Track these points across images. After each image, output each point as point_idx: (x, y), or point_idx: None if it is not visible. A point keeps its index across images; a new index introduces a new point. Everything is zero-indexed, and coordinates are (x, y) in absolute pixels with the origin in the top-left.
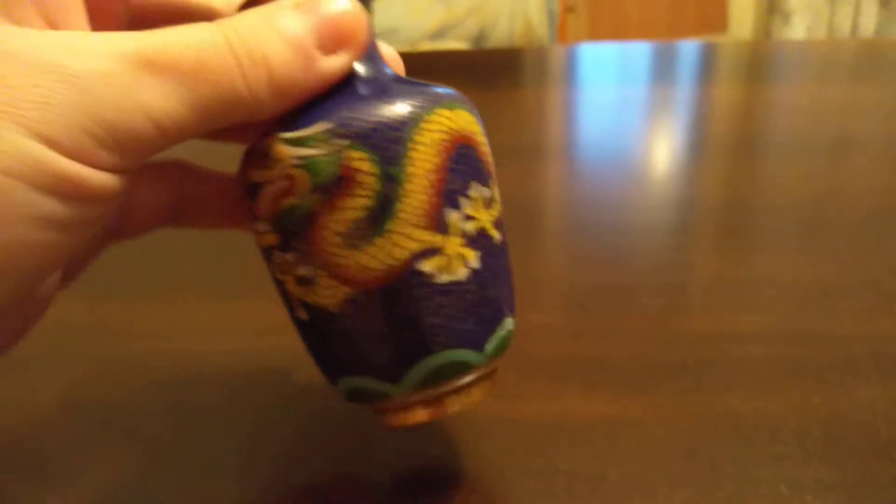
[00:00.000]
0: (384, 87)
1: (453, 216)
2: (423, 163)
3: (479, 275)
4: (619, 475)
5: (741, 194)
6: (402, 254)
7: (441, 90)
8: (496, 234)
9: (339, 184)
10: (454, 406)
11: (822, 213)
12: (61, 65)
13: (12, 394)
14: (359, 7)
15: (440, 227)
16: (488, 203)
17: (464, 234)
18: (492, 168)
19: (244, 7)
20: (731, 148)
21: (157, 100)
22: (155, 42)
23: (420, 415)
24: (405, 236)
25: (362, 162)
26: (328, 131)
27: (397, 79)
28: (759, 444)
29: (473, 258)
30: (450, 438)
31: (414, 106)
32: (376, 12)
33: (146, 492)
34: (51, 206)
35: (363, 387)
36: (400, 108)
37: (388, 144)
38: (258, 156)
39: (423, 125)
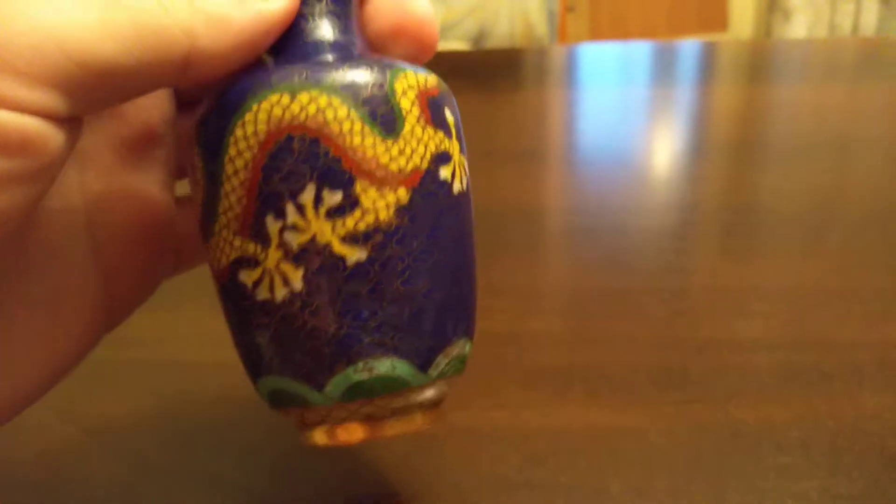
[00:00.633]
0: (306, 56)
1: (273, 225)
2: (238, 159)
3: (303, 299)
4: (620, 487)
5: (743, 197)
6: (224, 260)
7: (360, 67)
8: (349, 252)
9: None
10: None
11: (825, 216)
12: None
13: None
14: None
15: (258, 235)
16: (337, 211)
17: (284, 247)
18: (366, 166)
19: None
20: (733, 150)
21: (83, 41)
22: None
23: (352, 432)
24: (226, 241)
25: (196, 157)
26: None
27: (342, 49)
28: (764, 455)
29: (296, 277)
30: (448, 450)
31: (244, 89)
32: None
33: None
34: None
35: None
36: (237, 92)
37: (211, 137)
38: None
39: (247, 114)
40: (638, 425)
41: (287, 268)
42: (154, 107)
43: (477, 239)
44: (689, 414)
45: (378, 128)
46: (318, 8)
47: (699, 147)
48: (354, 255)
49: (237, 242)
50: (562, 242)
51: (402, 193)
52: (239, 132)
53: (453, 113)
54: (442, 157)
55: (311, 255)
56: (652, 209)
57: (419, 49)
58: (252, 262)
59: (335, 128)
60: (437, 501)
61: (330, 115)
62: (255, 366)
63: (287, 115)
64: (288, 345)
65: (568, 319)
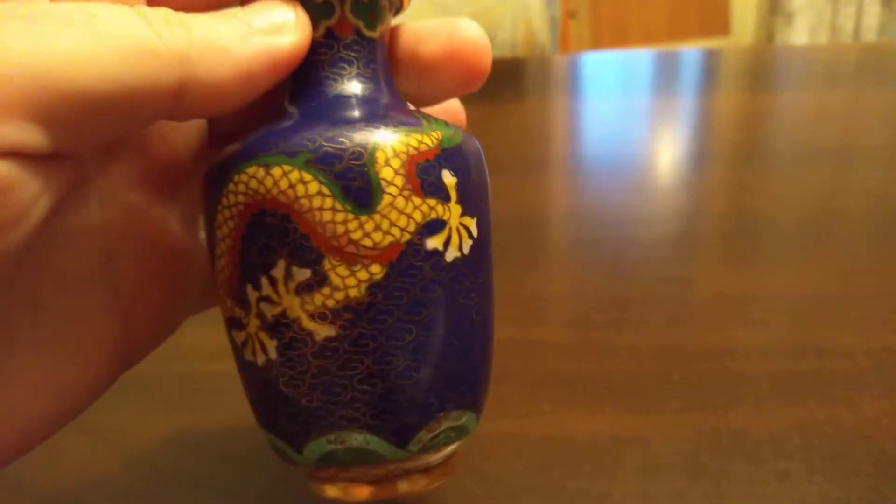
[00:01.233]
0: (328, 111)
1: (252, 294)
2: (224, 227)
3: (278, 368)
4: (623, 493)
5: (744, 206)
6: (225, 313)
7: (347, 134)
8: (318, 329)
9: None
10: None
11: (824, 224)
12: None
13: None
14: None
15: (242, 301)
16: (305, 288)
17: (261, 317)
18: (335, 243)
19: None
20: (735, 158)
21: (47, 55)
22: None
23: (329, 491)
24: (222, 300)
25: (202, 208)
26: None
27: (367, 104)
28: (764, 461)
29: (270, 347)
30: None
31: (241, 158)
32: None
33: None
34: None
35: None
36: (231, 158)
37: (210, 200)
38: None
39: (230, 185)
40: (640, 433)
41: (263, 336)
42: (182, 141)
43: None
44: (690, 421)
45: (350, 203)
46: (339, 57)
47: (701, 155)
48: (323, 331)
49: (228, 303)
50: (564, 252)
51: (376, 270)
52: (225, 201)
53: (459, 172)
54: (431, 227)
55: (283, 328)
56: (654, 218)
57: (470, 75)
58: (239, 325)
59: (305, 204)
60: None
61: (301, 190)
62: (254, 415)
63: (262, 189)
64: (270, 405)
65: (571, 328)
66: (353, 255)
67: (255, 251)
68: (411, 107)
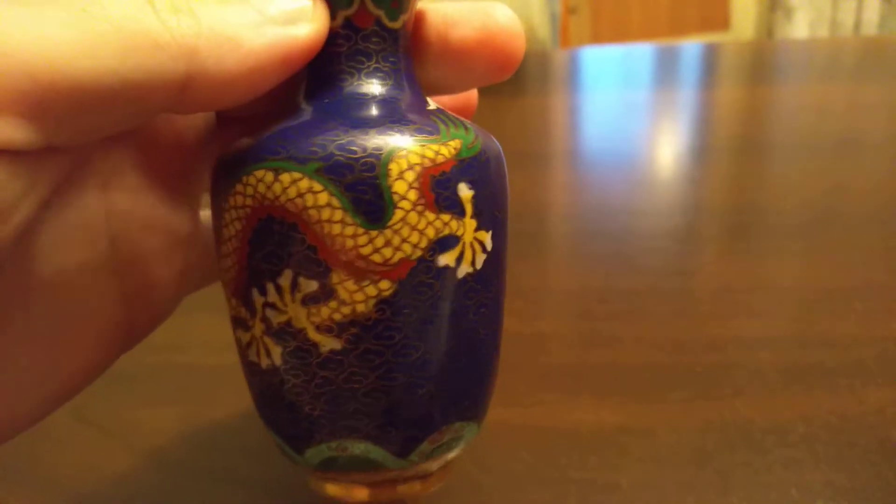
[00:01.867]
0: (343, 109)
1: (258, 298)
2: (229, 226)
3: (282, 374)
4: (630, 483)
5: (746, 198)
6: (230, 311)
7: (362, 140)
8: (323, 341)
9: None
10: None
11: (828, 215)
12: None
13: None
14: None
15: (247, 303)
16: (312, 299)
17: (266, 322)
18: (344, 257)
19: None
20: (736, 151)
21: (37, 44)
22: None
23: (329, 489)
24: (227, 297)
25: (211, 201)
26: None
27: (387, 104)
28: (769, 450)
29: (275, 353)
30: None
31: (250, 159)
32: None
33: None
34: None
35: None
36: (241, 156)
37: (217, 196)
38: None
39: (238, 185)
40: (646, 423)
41: (269, 342)
42: (187, 124)
43: None
44: (695, 411)
45: (361, 217)
46: (357, 49)
47: (703, 148)
48: (329, 344)
49: (233, 302)
50: (567, 244)
51: (385, 286)
52: (232, 201)
53: (476, 184)
54: (444, 243)
55: (288, 337)
56: (656, 211)
57: (504, 63)
58: (244, 325)
59: (314, 215)
60: (451, 498)
61: (310, 200)
62: (257, 410)
63: (270, 195)
64: (273, 406)
65: (576, 320)
66: (361, 270)
67: (262, 257)
68: (431, 103)
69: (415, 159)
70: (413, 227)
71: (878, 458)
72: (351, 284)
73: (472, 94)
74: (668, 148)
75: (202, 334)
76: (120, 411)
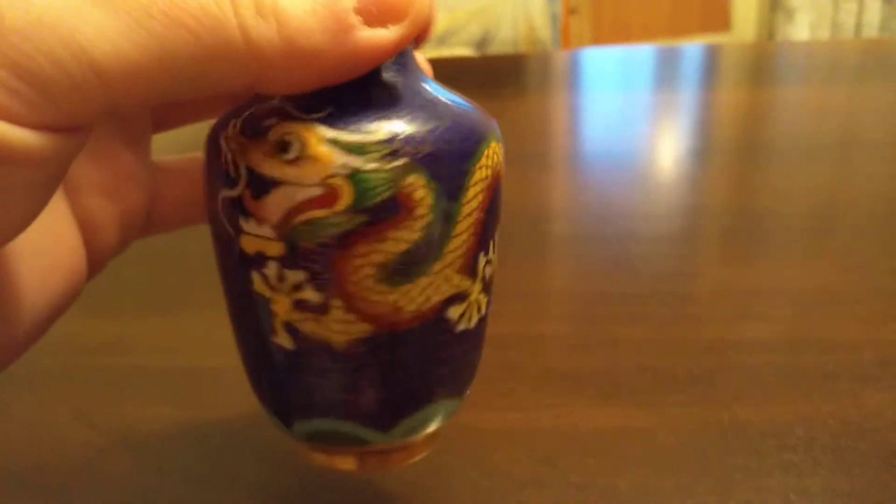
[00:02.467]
0: (432, 101)
1: (482, 260)
2: (473, 201)
3: (484, 321)
4: (629, 486)
5: (746, 201)
6: (437, 298)
7: (479, 114)
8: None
9: (389, 210)
10: (424, 451)
11: (827, 218)
12: None
13: (27, 409)
14: None
15: (472, 272)
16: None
17: (483, 280)
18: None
19: None
20: (736, 153)
21: (103, 44)
22: None
23: (397, 459)
24: (445, 279)
25: (421, 191)
26: (389, 143)
27: (436, 90)
28: (768, 453)
29: (485, 305)
30: (460, 450)
31: (474, 134)
32: None
33: None
34: None
35: (337, 431)
36: (465, 135)
37: (452, 176)
38: (276, 142)
39: (482, 159)
40: (645, 425)
41: (482, 298)
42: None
43: None
44: (694, 414)
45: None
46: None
47: (703, 151)
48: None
49: (456, 280)
50: (567, 247)
51: None
52: (478, 175)
53: None
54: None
55: (491, 284)
56: (656, 214)
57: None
58: (463, 298)
59: (503, 172)
60: (450, 500)
61: (503, 162)
62: (412, 400)
63: (500, 163)
64: (464, 368)
65: (575, 323)
66: None
67: (492, 218)
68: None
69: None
70: None
71: (877, 460)
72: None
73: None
74: (668, 150)
75: (201, 337)
76: (118, 414)
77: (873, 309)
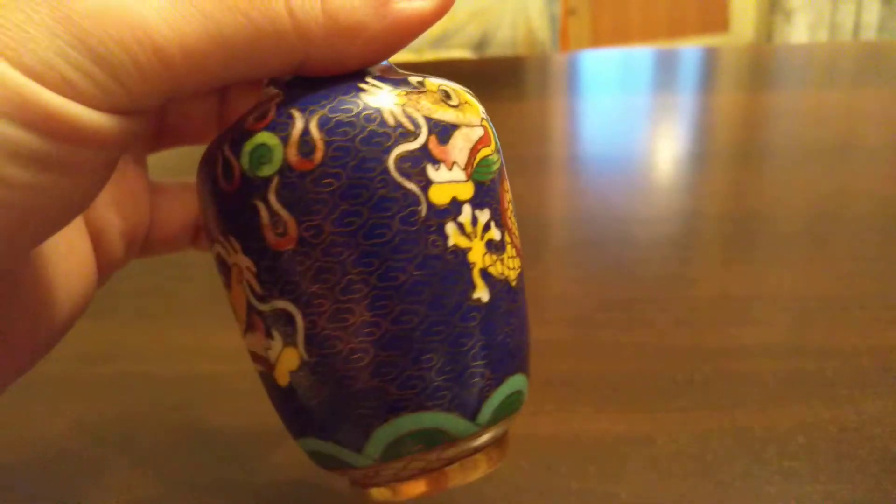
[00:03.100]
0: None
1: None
2: (505, 181)
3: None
4: (629, 493)
5: (745, 205)
6: (512, 276)
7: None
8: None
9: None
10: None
11: (826, 223)
12: None
13: (28, 416)
14: None
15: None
16: None
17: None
18: None
19: None
20: (735, 157)
21: (165, 29)
22: None
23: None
24: (514, 256)
25: (504, 186)
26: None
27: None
28: (768, 460)
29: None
30: None
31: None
32: None
33: None
34: (39, 143)
35: (521, 389)
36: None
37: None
38: (441, 91)
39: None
40: (645, 432)
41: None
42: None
43: None
44: (694, 421)
45: None
46: None
47: (702, 154)
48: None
49: (518, 260)
50: (566, 252)
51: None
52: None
53: None
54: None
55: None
56: (655, 218)
57: None
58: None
59: None
60: None
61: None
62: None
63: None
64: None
65: (575, 329)
66: None
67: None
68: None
69: None
70: None
71: (878, 468)
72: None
73: None
74: (667, 153)
75: (199, 344)
76: (118, 421)
77: (873, 315)
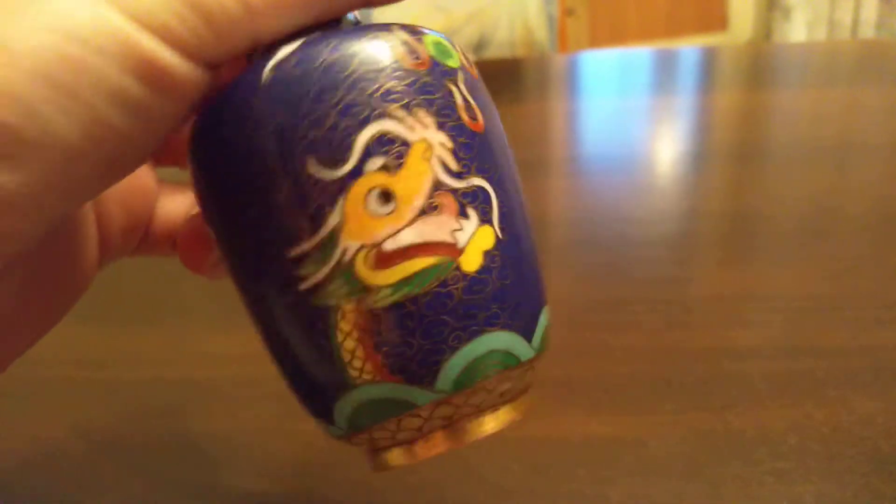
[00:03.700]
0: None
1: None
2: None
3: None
4: (619, 495)
5: (741, 206)
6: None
7: None
8: None
9: None
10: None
11: (821, 223)
12: None
13: (23, 420)
14: None
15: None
16: None
17: None
18: None
19: None
20: (733, 157)
21: None
22: None
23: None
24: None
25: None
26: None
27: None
28: (760, 461)
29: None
30: (453, 460)
31: None
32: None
33: None
34: (136, 88)
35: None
36: None
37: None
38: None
39: None
40: (636, 434)
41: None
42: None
43: None
44: (686, 422)
45: None
46: None
47: (699, 155)
48: None
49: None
50: (563, 252)
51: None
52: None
53: None
54: None
55: None
56: (650, 219)
57: None
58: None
59: None
60: None
61: None
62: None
63: None
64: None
65: (567, 330)
66: None
67: None
68: None
69: None
70: None
71: (869, 468)
72: None
73: None
74: (665, 153)
75: (192, 348)
76: (110, 426)
77: (865, 315)
